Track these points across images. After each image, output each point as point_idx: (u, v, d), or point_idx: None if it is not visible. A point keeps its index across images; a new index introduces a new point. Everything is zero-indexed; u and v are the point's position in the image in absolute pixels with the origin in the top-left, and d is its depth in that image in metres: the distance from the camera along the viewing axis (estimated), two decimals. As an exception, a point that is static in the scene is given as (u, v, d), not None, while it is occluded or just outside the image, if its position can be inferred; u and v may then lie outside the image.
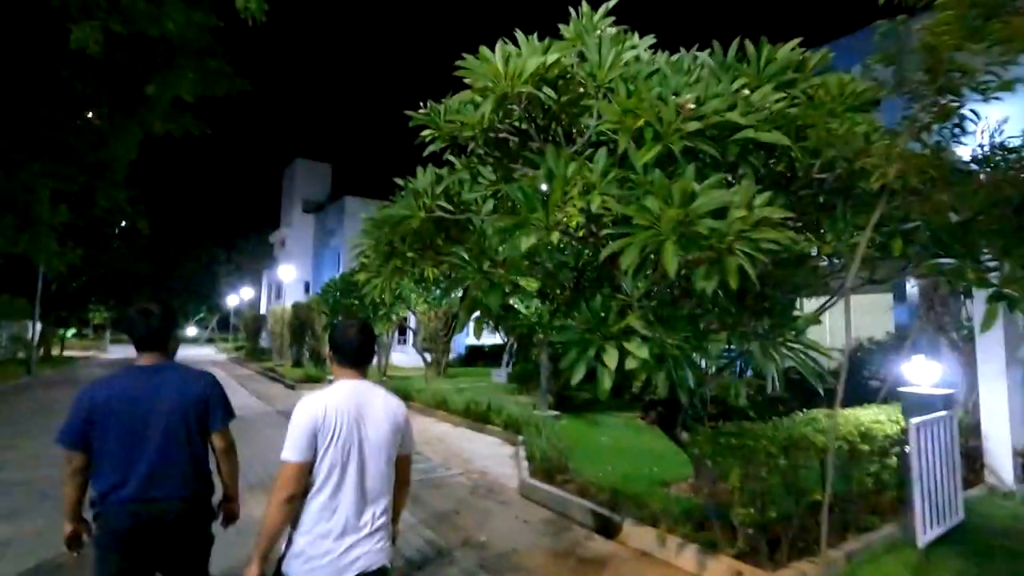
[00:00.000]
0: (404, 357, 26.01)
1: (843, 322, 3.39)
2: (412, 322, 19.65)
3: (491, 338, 28.53)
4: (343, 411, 2.00)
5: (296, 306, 24.50)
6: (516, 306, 12.07)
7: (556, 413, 10.53)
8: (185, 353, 39.11)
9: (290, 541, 1.95)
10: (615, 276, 4.35)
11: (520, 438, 8.28)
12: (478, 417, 10.23)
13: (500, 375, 18.19)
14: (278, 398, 14.10)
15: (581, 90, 4.12)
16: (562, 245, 4.71)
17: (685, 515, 4.54)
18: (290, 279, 31.19)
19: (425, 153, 5.11)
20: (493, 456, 7.95)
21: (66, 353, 33.45)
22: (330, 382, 2.14)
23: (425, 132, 5.03)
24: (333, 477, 1.94)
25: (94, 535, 2.26)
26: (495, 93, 3.80)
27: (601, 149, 3.71)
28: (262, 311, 40.71)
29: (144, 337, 2.34)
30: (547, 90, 3.89)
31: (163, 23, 6.31)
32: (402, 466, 2.18)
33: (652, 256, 3.24)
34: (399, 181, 5.44)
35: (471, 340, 29.79)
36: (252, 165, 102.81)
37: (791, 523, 3.93)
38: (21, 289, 23.35)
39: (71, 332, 41.52)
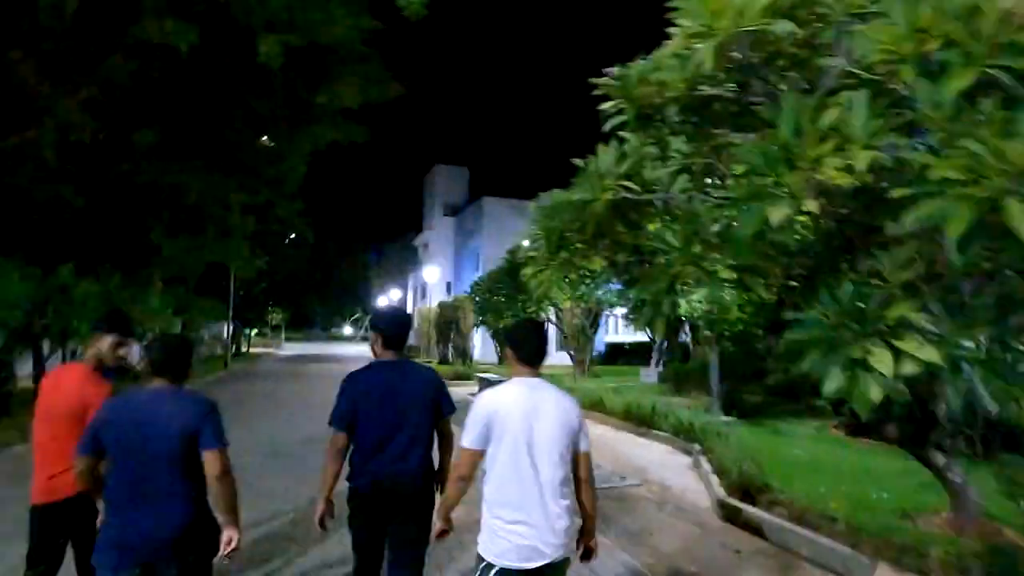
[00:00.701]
0: (543, 355, 25.83)
1: None
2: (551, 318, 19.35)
3: (630, 335, 27.40)
4: (516, 407, 2.13)
5: (442, 305, 25.44)
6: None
7: (729, 419, 9.44)
8: (344, 350, 42.89)
9: (483, 523, 2.16)
10: (858, 256, 3.45)
11: (695, 447, 7.45)
12: (641, 420, 9.51)
13: (650, 375, 17.19)
14: (432, 394, 14.51)
15: (818, 25, 3.29)
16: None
17: (961, 563, 3.49)
18: (434, 280, 32.67)
19: (606, 128, 4.54)
20: (669, 466, 7.21)
21: (251, 350, 38.30)
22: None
23: (607, 104, 4.46)
24: (507, 467, 2.10)
25: (352, 498, 2.62)
26: (718, 33, 3.11)
27: (859, 91, 2.87)
28: (408, 311, 43.35)
29: (393, 339, 2.79)
30: (782, 23, 3.12)
31: (332, 30, 6.55)
32: (581, 464, 2.22)
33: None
34: (578, 162, 4.93)
35: (611, 338, 28.89)
36: (394, 173, 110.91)
37: None
38: (217, 294, 27.06)
39: (254, 331, 47.64)
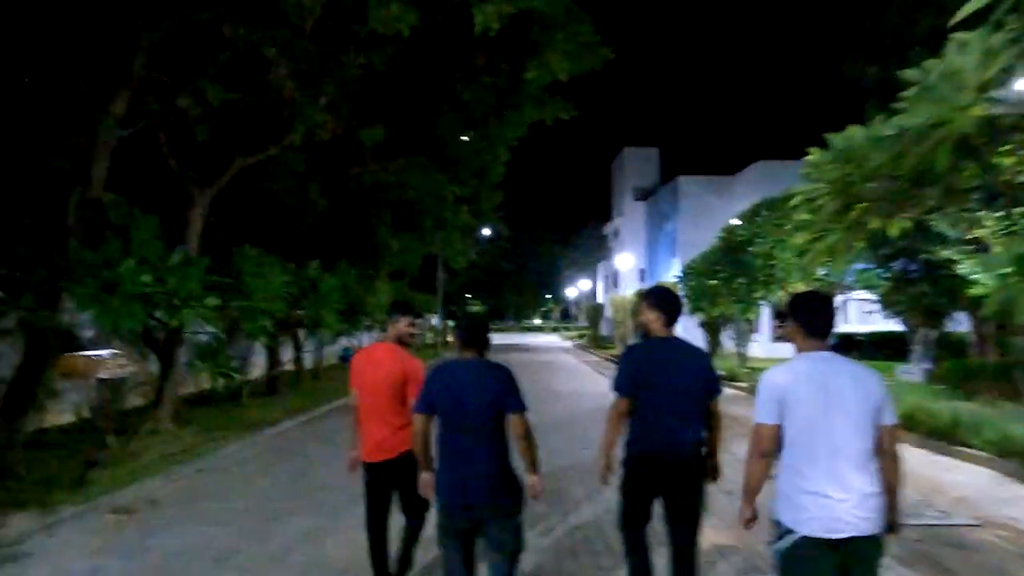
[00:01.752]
0: (753, 346, 22.97)
1: None
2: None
3: (867, 325, 23.00)
4: (810, 381, 2.10)
5: (640, 293, 24.21)
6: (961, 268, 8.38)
7: (1087, 438, 6.78)
8: (537, 340, 44.01)
9: (779, 491, 2.18)
10: None
11: (1046, 475, 5.34)
12: (935, 432, 7.37)
13: (911, 372, 13.91)
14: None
15: None
16: None
17: None
18: (627, 268, 31.49)
19: (966, 11, 3.12)
20: (1007, 500, 5.25)
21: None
22: None
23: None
24: (804, 441, 2.08)
25: (629, 465, 2.88)
26: None
27: None
28: (598, 300, 42.71)
29: (670, 317, 2.91)
30: None
31: (546, -10, 6.03)
32: (885, 439, 2.12)
33: None
34: (911, 73, 3.54)
35: (840, 327, 24.66)
36: (579, 161, 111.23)
37: None
38: (428, 288, 29.53)
39: (454, 323, 51.55)
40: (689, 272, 15.18)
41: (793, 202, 4.76)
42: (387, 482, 3.19)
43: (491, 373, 2.60)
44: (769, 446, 2.14)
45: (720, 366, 15.90)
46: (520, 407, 2.57)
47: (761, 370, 13.06)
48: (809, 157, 4.48)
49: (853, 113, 4.24)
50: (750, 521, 2.27)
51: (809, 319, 2.19)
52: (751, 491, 2.24)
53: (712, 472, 2.92)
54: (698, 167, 31.71)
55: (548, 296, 64.64)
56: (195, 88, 6.20)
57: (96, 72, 5.69)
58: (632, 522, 2.89)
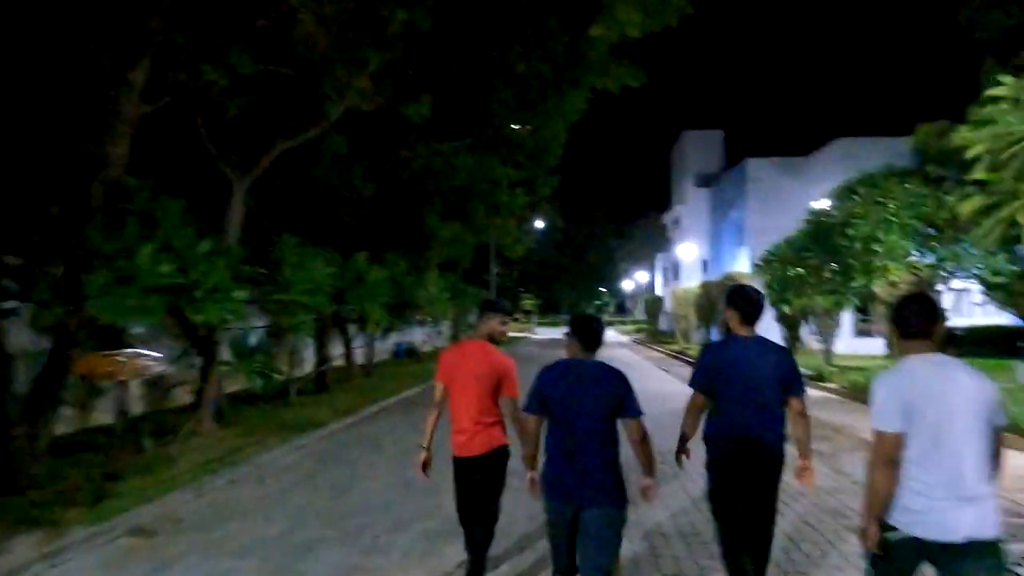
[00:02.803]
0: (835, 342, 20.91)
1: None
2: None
3: (964, 318, 20.61)
4: (932, 383, 2.05)
5: (706, 285, 22.66)
6: None
7: None
8: (593, 334, 42.41)
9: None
10: None
11: None
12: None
13: (1037, 372, 12.00)
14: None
15: None
16: None
17: None
18: (690, 258, 29.78)
19: None
20: None
21: (509, 335, 40.51)
22: None
23: None
24: (927, 444, 2.01)
25: (712, 467, 2.95)
26: None
27: None
28: (657, 293, 40.94)
29: (745, 316, 2.94)
30: None
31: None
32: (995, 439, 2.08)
33: None
34: None
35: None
36: (634, 148, 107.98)
37: None
38: (479, 282, 28.89)
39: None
40: (770, 260, 13.67)
41: (971, 152, 3.53)
42: (474, 477, 3.22)
43: (608, 375, 2.62)
44: (896, 454, 2.04)
45: (805, 364, 14.40)
46: (637, 412, 2.60)
47: (849, 369, 11.41)
48: (995, 90, 3.28)
49: (959, 79, 3.08)
50: (877, 544, 2.07)
51: (908, 322, 2.15)
52: (878, 505, 2.06)
53: (802, 474, 2.91)
54: (766, 149, 29.46)
55: (603, 289, 62.94)
56: (223, 60, 5.58)
57: (113, 36, 5.14)
58: (728, 527, 2.88)
